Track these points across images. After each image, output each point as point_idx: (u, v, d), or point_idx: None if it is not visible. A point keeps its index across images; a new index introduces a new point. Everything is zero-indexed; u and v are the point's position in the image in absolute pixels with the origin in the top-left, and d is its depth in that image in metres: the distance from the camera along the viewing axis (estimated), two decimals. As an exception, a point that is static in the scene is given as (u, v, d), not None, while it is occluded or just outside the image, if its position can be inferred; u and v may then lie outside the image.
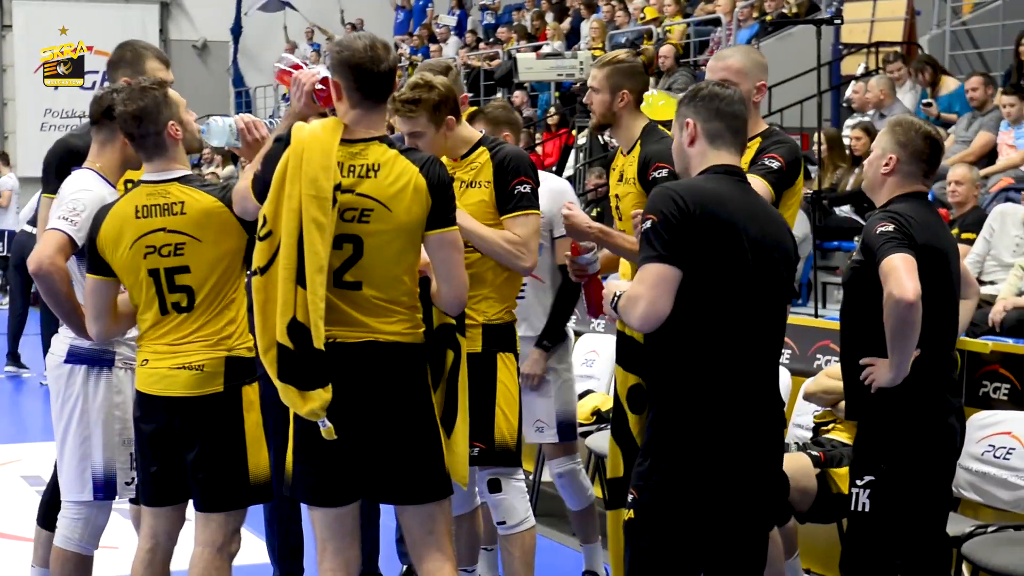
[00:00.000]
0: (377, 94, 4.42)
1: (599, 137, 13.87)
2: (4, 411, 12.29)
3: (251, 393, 4.83)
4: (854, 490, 4.76)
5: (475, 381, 4.84)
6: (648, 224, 4.07)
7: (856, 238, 7.70)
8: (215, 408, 4.76)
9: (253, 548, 5.12)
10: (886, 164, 4.80)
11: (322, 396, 4.27)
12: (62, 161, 5.46)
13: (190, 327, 4.75)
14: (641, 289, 4.03)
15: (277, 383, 4.32)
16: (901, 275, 4.45)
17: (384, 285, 4.37)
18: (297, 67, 4.75)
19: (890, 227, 4.58)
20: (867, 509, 4.70)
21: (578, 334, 8.43)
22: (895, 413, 4.68)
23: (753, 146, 4.98)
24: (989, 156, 10.60)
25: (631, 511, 4.21)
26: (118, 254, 4.76)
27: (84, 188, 5.02)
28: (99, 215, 4.83)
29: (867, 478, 4.71)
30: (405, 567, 6.42)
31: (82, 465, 5.12)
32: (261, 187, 4.45)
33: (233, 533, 4.91)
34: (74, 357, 5.11)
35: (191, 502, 4.91)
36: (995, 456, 6.02)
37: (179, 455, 4.81)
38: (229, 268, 4.76)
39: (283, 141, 4.40)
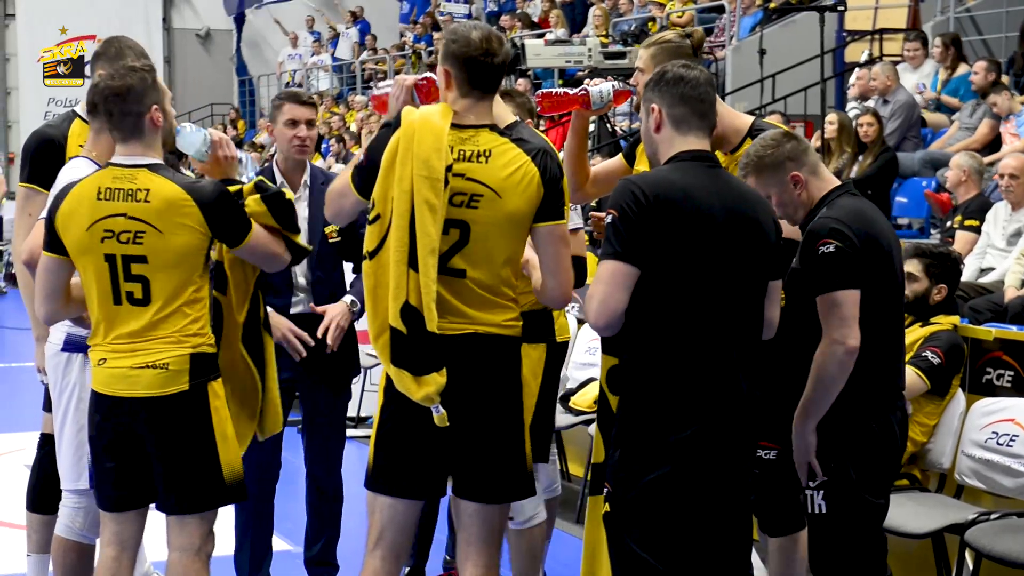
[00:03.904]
0: (488, 86, 4.39)
1: (607, 124, 13.81)
2: (4, 401, 12.27)
3: (217, 389, 4.71)
4: (808, 492, 4.66)
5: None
6: (609, 219, 4.05)
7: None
8: (181, 407, 4.62)
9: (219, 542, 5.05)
10: (794, 186, 4.66)
11: (437, 380, 4.22)
12: (36, 150, 5.51)
13: (146, 322, 4.60)
14: (596, 287, 4.02)
15: (390, 369, 4.27)
16: (847, 316, 4.43)
17: (488, 274, 4.33)
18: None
19: (831, 247, 4.47)
20: (824, 511, 4.62)
21: (580, 322, 8.41)
22: (840, 412, 4.57)
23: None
24: (993, 144, 10.58)
25: (607, 504, 4.19)
26: (72, 234, 4.63)
27: (75, 177, 4.99)
28: (61, 193, 4.72)
29: (818, 479, 4.61)
30: (407, 568, 6.35)
31: (79, 453, 5.08)
32: (366, 177, 4.39)
33: (208, 534, 4.79)
34: (71, 345, 5.08)
35: (155, 506, 4.80)
36: (998, 443, 6.01)
37: (141, 458, 4.69)
38: (189, 264, 4.61)
39: (391, 127, 4.35)
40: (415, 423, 4.33)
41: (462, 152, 4.31)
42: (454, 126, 4.32)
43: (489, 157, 4.31)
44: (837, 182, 4.74)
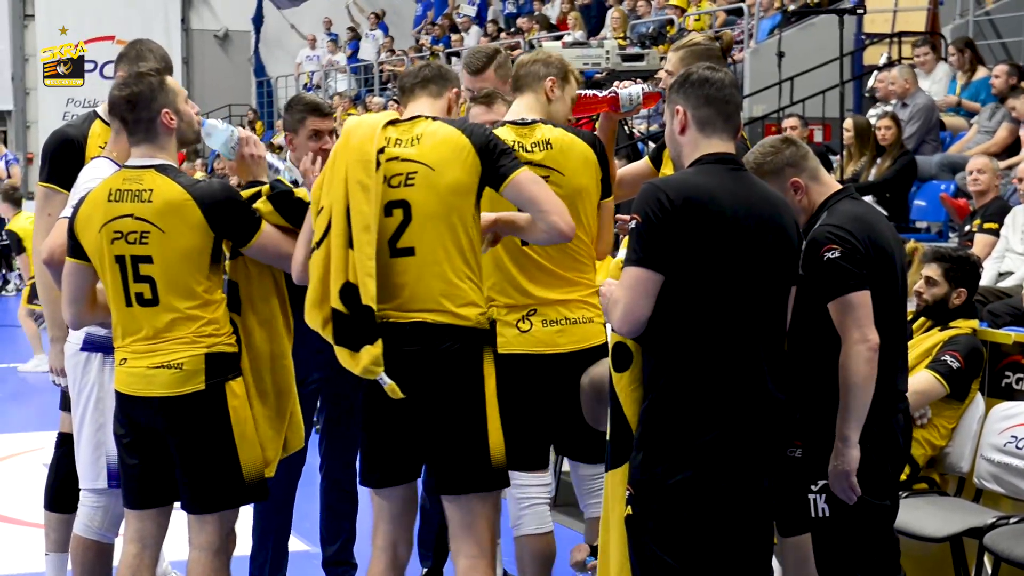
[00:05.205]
0: (410, 87, 4.71)
1: (625, 127, 13.81)
2: (23, 400, 12.31)
3: (236, 388, 4.73)
4: (811, 496, 4.63)
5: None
6: (633, 224, 4.06)
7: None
8: (198, 407, 4.65)
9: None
10: (795, 191, 4.66)
11: (370, 352, 4.34)
12: (55, 150, 5.52)
13: (158, 324, 4.64)
14: (620, 293, 4.04)
15: (336, 348, 4.42)
16: (863, 316, 4.42)
17: (437, 250, 4.44)
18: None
19: (837, 252, 4.46)
20: (827, 515, 4.61)
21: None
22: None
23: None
24: (1012, 148, 10.54)
25: (629, 507, 4.17)
26: (88, 237, 4.70)
27: (96, 176, 4.99)
28: (81, 198, 4.79)
29: (821, 483, 4.59)
30: (425, 569, 6.35)
31: (97, 453, 5.11)
32: None
33: (228, 534, 4.83)
34: (90, 345, 5.10)
35: (178, 504, 4.83)
36: (1017, 447, 5.99)
37: (164, 457, 4.73)
38: (195, 265, 4.64)
39: None
40: (382, 414, 4.50)
41: (398, 140, 4.52)
42: (394, 122, 4.55)
43: (421, 138, 4.51)
44: (837, 186, 4.74)
